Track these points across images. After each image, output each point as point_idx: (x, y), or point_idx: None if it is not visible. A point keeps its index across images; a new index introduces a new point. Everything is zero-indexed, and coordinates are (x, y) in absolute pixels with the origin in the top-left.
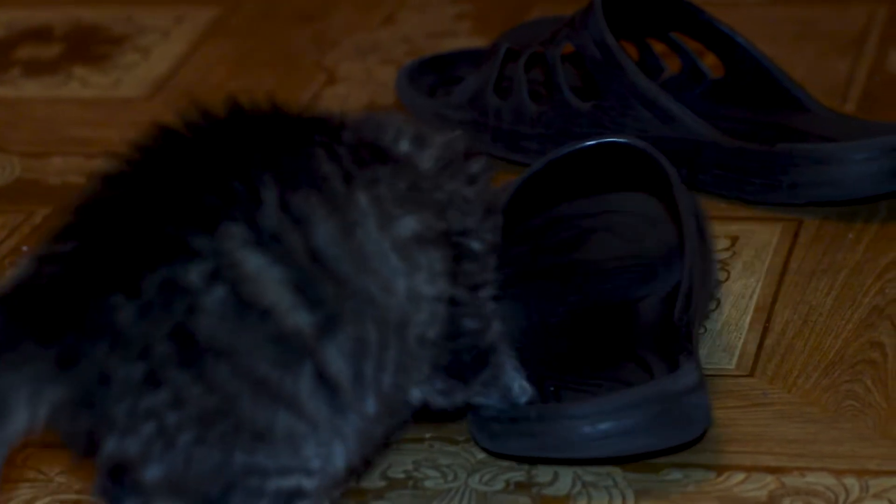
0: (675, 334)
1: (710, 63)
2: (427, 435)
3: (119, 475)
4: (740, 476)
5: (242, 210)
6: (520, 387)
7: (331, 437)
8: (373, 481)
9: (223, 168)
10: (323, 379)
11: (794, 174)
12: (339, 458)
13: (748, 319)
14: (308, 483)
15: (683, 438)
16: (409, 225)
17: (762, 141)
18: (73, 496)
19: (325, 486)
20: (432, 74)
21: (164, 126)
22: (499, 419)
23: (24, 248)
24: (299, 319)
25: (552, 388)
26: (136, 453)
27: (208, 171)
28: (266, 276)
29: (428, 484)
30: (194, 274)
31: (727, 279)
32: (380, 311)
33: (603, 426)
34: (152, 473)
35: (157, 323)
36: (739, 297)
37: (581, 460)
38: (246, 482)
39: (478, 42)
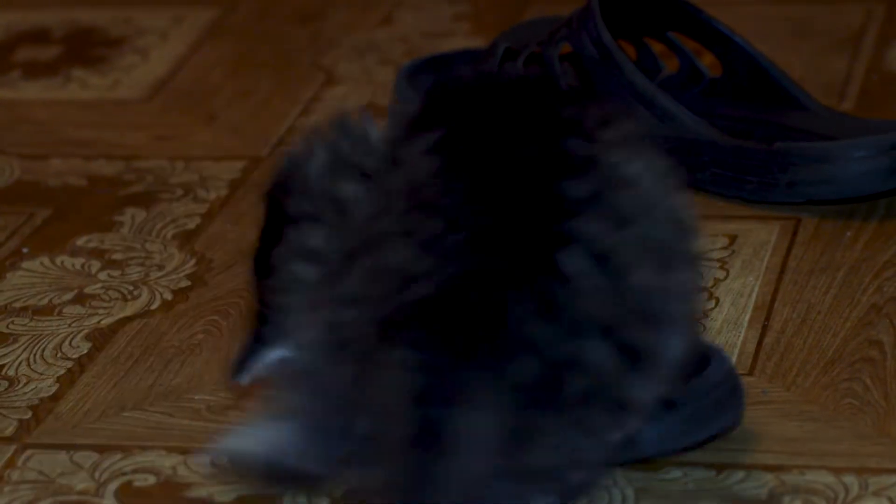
0: None
1: (707, 62)
2: None
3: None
4: (740, 474)
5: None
6: None
7: None
8: None
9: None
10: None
11: (792, 172)
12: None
13: (747, 318)
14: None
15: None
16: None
17: (760, 139)
18: (75, 497)
19: None
20: (431, 74)
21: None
22: None
23: (25, 250)
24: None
25: None
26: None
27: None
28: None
29: None
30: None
31: (726, 278)
32: None
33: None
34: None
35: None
36: (738, 296)
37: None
38: None
39: (476, 42)
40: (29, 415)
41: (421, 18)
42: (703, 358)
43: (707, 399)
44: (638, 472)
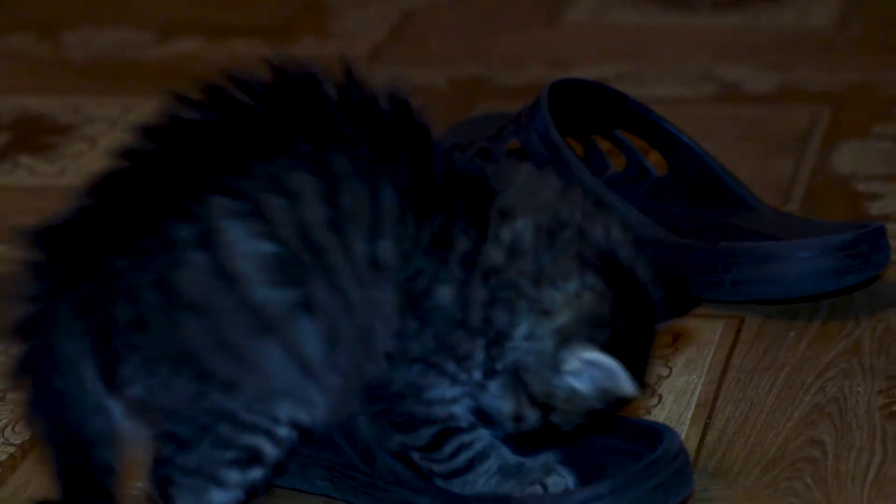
0: None
1: (654, 161)
2: None
3: None
4: None
5: (230, 183)
6: None
7: (304, 401)
8: None
9: (217, 148)
10: (294, 353)
11: (736, 272)
12: (307, 419)
13: (689, 415)
14: (270, 451)
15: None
16: (384, 246)
17: (705, 239)
18: None
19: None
20: None
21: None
22: None
23: None
24: (270, 295)
25: None
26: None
27: (206, 149)
28: (241, 248)
29: None
30: (182, 233)
31: (669, 375)
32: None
33: None
34: (134, 392)
35: (146, 274)
36: (681, 393)
37: None
38: (218, 428)
39: None
40: None
41: None
42: (656, 434)
43: (665, 472)
44: None
